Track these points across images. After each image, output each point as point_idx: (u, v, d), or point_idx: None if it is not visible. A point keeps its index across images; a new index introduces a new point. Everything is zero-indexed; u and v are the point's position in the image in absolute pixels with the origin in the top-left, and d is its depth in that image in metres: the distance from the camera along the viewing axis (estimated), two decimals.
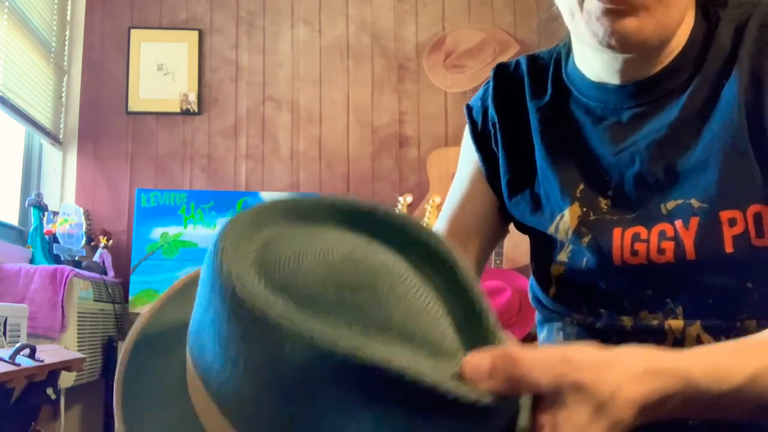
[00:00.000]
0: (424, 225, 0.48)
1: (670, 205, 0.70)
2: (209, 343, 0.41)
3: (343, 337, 0.36)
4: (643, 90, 0.73)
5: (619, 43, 0.67)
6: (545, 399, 0.42)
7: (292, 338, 0.36)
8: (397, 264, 0.43)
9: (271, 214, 0.47)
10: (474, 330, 0.44)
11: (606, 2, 0.65)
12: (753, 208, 0.67)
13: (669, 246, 0.69)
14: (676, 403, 0.47)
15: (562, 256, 0.77)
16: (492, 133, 0.86)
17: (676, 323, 0.70)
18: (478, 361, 0.41)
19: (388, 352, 0.36)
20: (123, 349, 0.49)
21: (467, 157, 0.90)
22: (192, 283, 0.51)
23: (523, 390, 0.42)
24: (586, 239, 0.74)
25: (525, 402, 0.45)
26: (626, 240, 0.71)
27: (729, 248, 0.67)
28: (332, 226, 0.47)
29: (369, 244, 0.45)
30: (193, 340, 0.45)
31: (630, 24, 0.65)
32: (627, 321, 0.72)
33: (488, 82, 0.88)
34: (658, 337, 0.70)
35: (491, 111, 0.86)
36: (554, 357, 0.42)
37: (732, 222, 0.67)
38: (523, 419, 0.44)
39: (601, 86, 0.76)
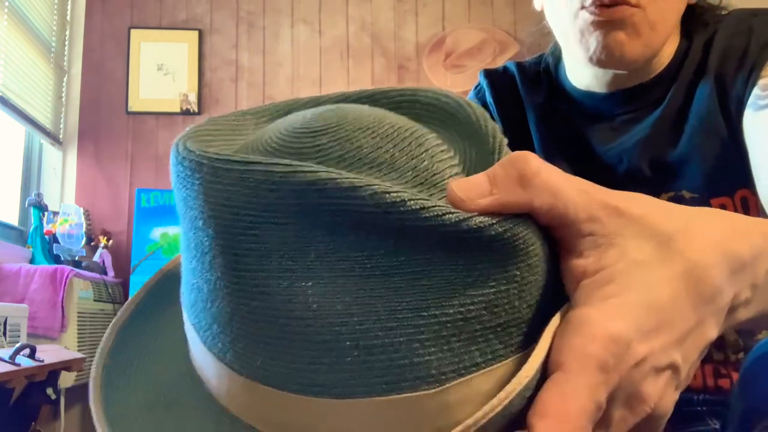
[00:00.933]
0: (432, 89, 0.39)
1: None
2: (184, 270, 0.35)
3: (281, 163, 0.29)
4: (630, 99, 0.77)
5: (608, 57, 0.70)
6: (579, 241, 0.30)
7: (223, 173, 0.29)
8: (375, 110, 0.34)
9: (258, 116, 0.40)
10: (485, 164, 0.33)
11: (598, 15, 0.68)
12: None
13: None
14: (764, 269, 0.33)
15: None
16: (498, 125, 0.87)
17: None
18: (470, 178, 0.30)
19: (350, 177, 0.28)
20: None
21: None
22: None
23: (539, 197, 0.29)
24: None
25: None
26: None
27: None
28: None
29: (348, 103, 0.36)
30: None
31: (620, 38, 0.69)
32: None
33: (478, 85, 0.91)
34: None
35: (491, 105, 0.87)
36: (572, 176, 0.32)
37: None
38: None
39: (590, 94, 0.80)
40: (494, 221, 0.28)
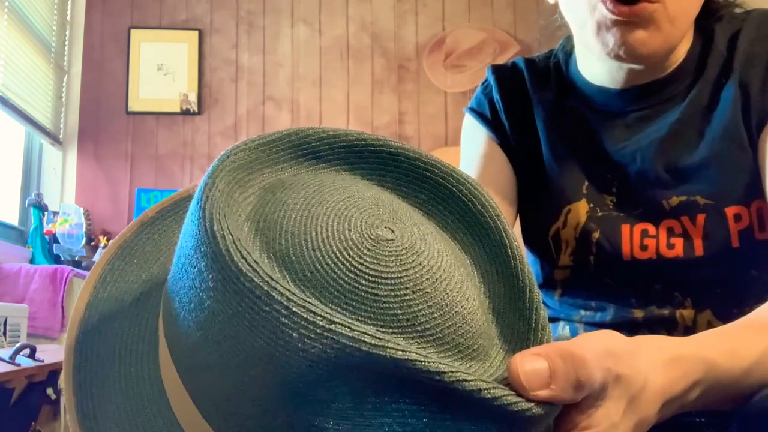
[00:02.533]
0: (459, 173, 0.41)
1: (673, 201, 0.72)
2: (184, 311, 0.34)
3: (369, 333, 0.30)
4: (645, 95, 0.75)
5: (627, 54, 0.69)
6: (584, 400, 0.37)
7: (304, 326, 0.29)
8: (428, 246, 0.36)
9: (273, 151, 0.40)
10: (517, 320, 0.38)
11: (617, 14, 0.66)
12: (756, 204, 0.69)
13: (678, 242, 0.71)
14: (698, 393, 0.44)
15: (565, 260, 0.78)
16: (503, 122, 0.85)
17: (687, 312, 0.72)
18: (533, 364, 0.34)
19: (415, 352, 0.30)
20: (74, 309, 0.43)
21: (474, 144, 0.87)
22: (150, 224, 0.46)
23: (586, 393, 0.36)
24: (595, 234, 0.75)
25: None
26: (635, 235, 0.74)
27: (735, 243, 0.69)
28: (345, 171, 0.40)
29: (396, 215, 0.37)
30: (168, 300, 0.37)
31: (640, 36, 0.67)
32: (638, 313, 0.74)
33: (486, 80, 0.89)
34: (669, 326, 0.72)
35: (498, 103, 0.85)
36: (600, 350, 0.37)
37: (737, 217, 0.70)
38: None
39: (603, 90, 0.78)
40: (547, 410, 0.33)
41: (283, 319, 0.30)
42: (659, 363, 0.41)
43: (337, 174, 0.40)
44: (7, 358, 1.51)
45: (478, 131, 0.87)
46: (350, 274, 0.33)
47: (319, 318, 0.29)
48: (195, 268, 0.33)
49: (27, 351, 1.62)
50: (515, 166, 0.83)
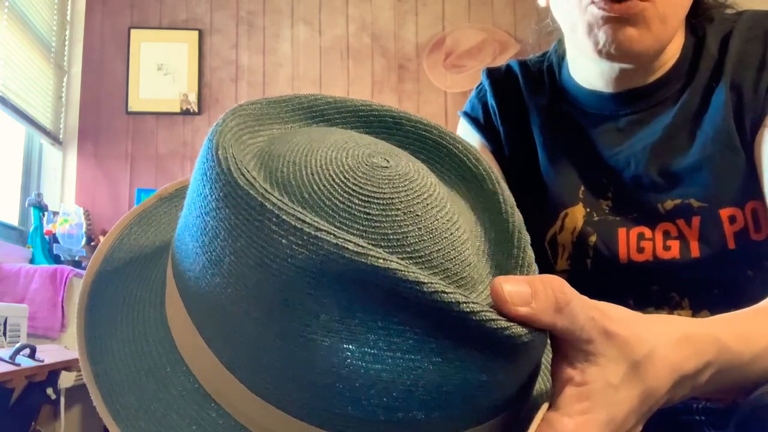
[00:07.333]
0: (456, 135, 0.43)
1: (668, 205, 0.72)
2: (192, 241, 0.36)
3: (352, 241, 0.30)
4: (637, 98, 0.76)
5: (618, 51, 0.69)
6: (574, 353, 0.37)
7: (293, 232, 0.31)
8: (422, 177, 0.38)
9: (283, 109, 0.42)
10: (505, 260, 0.38)
11: (608, 11, 0.67)
12: (750, 205, 0.70)
13: (674, 244, 0.72)
14: (708, 375, 0.43)
15: (562, 264, 0.78)
16: (497, 128, 0.85)
17: (685, 313, 0.72)
18: (516, 283, 0.35)
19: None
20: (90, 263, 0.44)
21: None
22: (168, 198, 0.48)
23: (567, 323, 0.36)
24: (592, 238, 0.76)
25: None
26: (632, 239, 0.74)
27: (731, 244, 0.70)
28: (353, 129, 0.42)
29: (393, 151, 0.39)
30: (177, 242, 0.38)
31: (630, 33, 0.68)
32: None
33: (480, 84, 0.89)
34: None
35: (493, 108, 0.85)
36: (586, 300, 0.37)
37: (732, 219, 0.70)
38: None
39: (595, 94, 0.78)
40: (527, 332, 0.33)
41: (274, 227, 0.31)
42: (672, 338, 0.40)
43: (344, 129, 0.43)
44: (7, 358, 1.51)
45: (471, 137, 0.87)
46: (344, 194, 0.35)
47: (306, 225, 0.31)
48: (200, 195, 0.35)
49: (27, 351, 1.62)
50: (510, 173, 0.84)
